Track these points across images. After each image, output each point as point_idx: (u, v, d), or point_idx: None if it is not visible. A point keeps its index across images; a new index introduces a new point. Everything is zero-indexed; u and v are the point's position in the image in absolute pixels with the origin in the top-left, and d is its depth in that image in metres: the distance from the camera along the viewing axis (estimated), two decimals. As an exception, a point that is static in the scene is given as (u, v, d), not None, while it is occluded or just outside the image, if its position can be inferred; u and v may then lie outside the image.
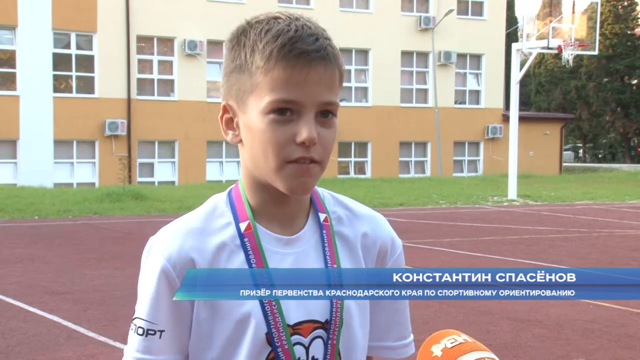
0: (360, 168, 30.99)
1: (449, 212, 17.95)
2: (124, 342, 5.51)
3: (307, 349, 1.44)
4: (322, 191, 1.54)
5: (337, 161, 30.12)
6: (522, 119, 24.90)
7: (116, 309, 7.49)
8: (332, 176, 28.46)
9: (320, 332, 1.44)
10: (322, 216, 1.49)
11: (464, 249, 11.61)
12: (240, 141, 1.44)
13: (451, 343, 1.27)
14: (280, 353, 1.41)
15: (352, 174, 30.34)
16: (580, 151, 58.40)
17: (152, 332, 1.42)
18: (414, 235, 13.15)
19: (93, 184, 26.32)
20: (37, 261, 10.29)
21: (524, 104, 41.52)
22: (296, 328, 1.42)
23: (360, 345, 1.50)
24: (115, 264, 10.07)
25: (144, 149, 27.63)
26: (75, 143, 26.62)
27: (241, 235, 1.44)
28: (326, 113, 1.39)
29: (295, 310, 1.42)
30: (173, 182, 27.83)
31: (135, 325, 1.44)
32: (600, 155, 56.35)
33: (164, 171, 28.03)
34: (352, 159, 30.84)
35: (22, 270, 9.61)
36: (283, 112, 1.36)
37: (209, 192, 21.12)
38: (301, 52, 1.36)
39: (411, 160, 31.92)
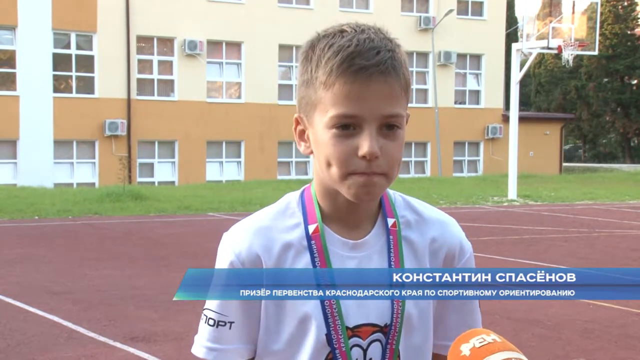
0: (360, 168, 30.98)
1: (448, 212, 17.79)
2: (124, 342, 5.53)
3: (365, 351, 1.48)
4: (393, 194, 1.58)
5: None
6: (522, 119, 24.90)
7: (116, 309, 7.49)
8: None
9: (378, 335, 1.48)
10: (390, 221, 1.53)
11: (464, 249, 11.60)
12: (312, 152, 1.49)
13: (480, 342, 1.28)
14: (337, 354, 1.46)
15: (352, 174, 30.30)
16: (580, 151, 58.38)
17: (223, 324, 1.49)
18: (414, 236, 13.13)
19: (93, 184, 26.32)
20: (37, 261, 10.29)
21: (524, 104, 41.52)
22: (355, 331, 1.47)
23: (422, 348, 1.54)
24: (115, 264, 10.07)
25: (144, 149, 27.63)
26: (75, 143, 26.62)
27: (309, 238, 1.49)
28: (390, 126, 1.42)
29: (355, 313, 1.47)
30: (173, 182, 27.83)
31: (206, 316, 1.50)
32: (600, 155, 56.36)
33: (164, 171, 28.03)
34: (352, 159, 30.82)
35: (22, 270, 9.61)
36: (345, 126, 1.41)
37: (209, 192, 20.96)
38: (360, 68, 1.39)
39: (411, 161, 31.92)
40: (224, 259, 1.50)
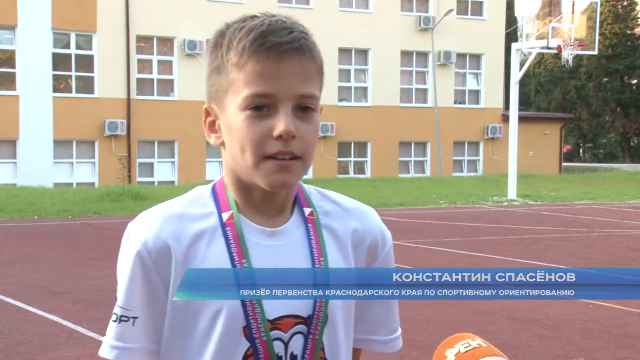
0: (360, 168, 30.99)
1: (448, 212, 17.94)
2: (124, 342, 5.31)
3: (286, 345, 1.41)
4: (307, 187, 1.53)
5: (337, 161, 30.12)
6: (522, 119, 24.90)
7: (116, 309, 7.48)
8: (332, 176, 28.46)
9: (301, 327, 1.41)
10: (307, 211, 1.48)
11: (464, 249, 11.61)
12: (223, 143, 1.43)
13: (465, 348, 1.26)
14: (258, 347, 1.39)
15: (351, 174, 30.34)
16: (580, 151, 58.38)
17: (126, 319, 1.42)
18: (414, 235, 13.15)
19: (93, 184, 26.32)
20: (37, 261, 10.29)
21: (523, 104, 41.50)
22: (276, 323, 1.40)
23: (345, 341, 1.48)
24: (115, 264, 10.01)
25: (144, 149, 27.63)
26: (75, 143, 26.62)
27: (223, 225, 1.42)
28: (305, 107, 1.38)
29: (276, 306, 1.39)
30: (173, 182, 27.83)
31: (114, 311, 1.44)
32: (600, 156, 56.34)
33: (164, 171, 28.02)
34: (352, 159, 30.84)
35: (22, 270, 9.61)
36: (259, 107, 1.36)
37: (209, 192, 20.87)
38: (273, 45, 1.36)
39: (411, 160, 31.91)
40: (130, 250, 1.42)
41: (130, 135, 27.06)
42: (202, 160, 28.29)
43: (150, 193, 19.61)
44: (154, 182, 27.28)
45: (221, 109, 1.42)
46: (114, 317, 1.43)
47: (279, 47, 1.35)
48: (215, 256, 1.40)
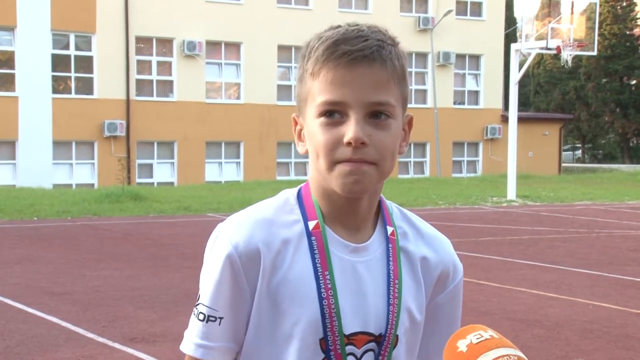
0: (359, 169, 30.96)
1: (448, 213, 17.95)
2: (123, 342, 5.53)
3: None
4: (390, 204, 1.55)
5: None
6: (521, 120, 24.90)
7: (115, 310, 7.49)
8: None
9: (372, 345, 1.45)
10: (389, 229, 1.50)
11: (463, 250, 11.60)
12: (307, 151, 1.46)
13: (477, 339, 1.25)
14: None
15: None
16: (579, 151, 58.35)
17: (213, 319, 1.44)
18: (413, 236, 13.12)
19: (92, 184, 26.30)
20: (36, 262, 10.28)
21: (523, 104, 41.49)
22: (351, 338, 1.43)
23: None
24: (114, 265, 10.07)
25: (143, 149, 27.62)
26: (74, 144, 26.61)
27: (309, 234, 1.44)
28: (378, 114, 1.39)
29: (352, 321, 1.43)
30: (172, 183, 27.82)
31: (198, 310, 1.46)
32: (599, 156, 56.32)
33: (163, 172, 28.02)
34: (351, 160, 30.80)
35: (21, 271, 9.60)
36: (332, 114, 1.38)
37: (208, 192, 20.90)
38: (343, 53, 1.37)
39: (410, 161, 31.91)
40: (220, 251, 1.43)
41: (130, 136, 27.05)
42: (201, 160, 28.28)
43: (149, 194, 19.59)
44: (153, 183, 27.27)
45: (303, 118, 1.45)
46: (200, 316, 1.45)
47: (349, 55, 1.37)
48: (299, 265, 1.43)
